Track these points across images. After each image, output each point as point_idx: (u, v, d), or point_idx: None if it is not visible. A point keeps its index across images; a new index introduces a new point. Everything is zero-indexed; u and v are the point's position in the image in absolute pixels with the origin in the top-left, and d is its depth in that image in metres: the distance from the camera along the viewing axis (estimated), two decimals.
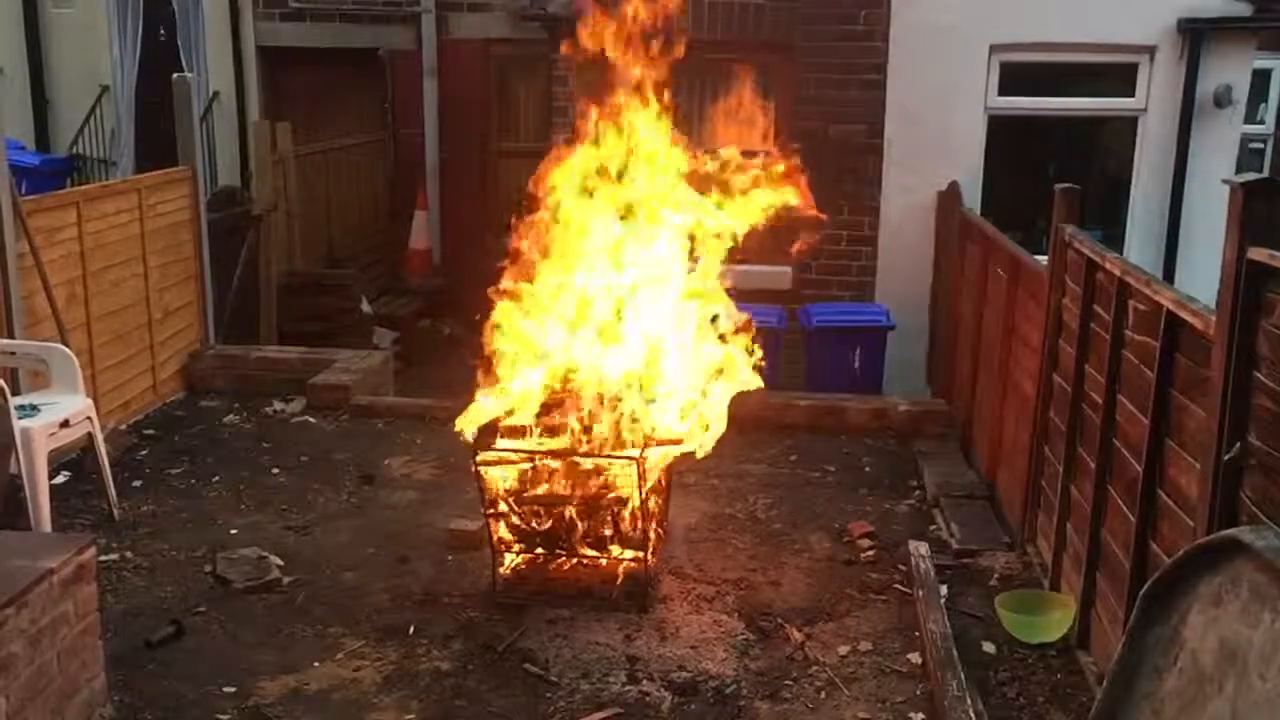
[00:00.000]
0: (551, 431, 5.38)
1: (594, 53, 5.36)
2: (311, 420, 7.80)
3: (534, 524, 5.29)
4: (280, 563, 5.54)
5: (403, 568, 5.63)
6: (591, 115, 5.47)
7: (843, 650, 4.91)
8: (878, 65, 9.10)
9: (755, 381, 5.48)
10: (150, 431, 7.50)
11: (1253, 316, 3.35)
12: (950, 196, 8.76)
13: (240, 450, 7.23)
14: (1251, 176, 3.51)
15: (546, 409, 5.40)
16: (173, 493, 6.53)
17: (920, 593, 5.21)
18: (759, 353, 5.52)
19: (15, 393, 5.96)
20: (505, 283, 5.48)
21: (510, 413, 5.34)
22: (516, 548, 5.35)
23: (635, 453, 5.14)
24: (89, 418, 6.02)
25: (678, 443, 5.40)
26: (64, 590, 4.00)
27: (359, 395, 8.01)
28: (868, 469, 7.13)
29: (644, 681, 4.63)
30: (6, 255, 6.28)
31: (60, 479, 6.46)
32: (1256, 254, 3.30)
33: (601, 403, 5.31)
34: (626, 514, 5.22)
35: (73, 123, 12.69)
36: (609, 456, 5.20)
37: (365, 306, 10.47)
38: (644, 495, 5.11)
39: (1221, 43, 9.05)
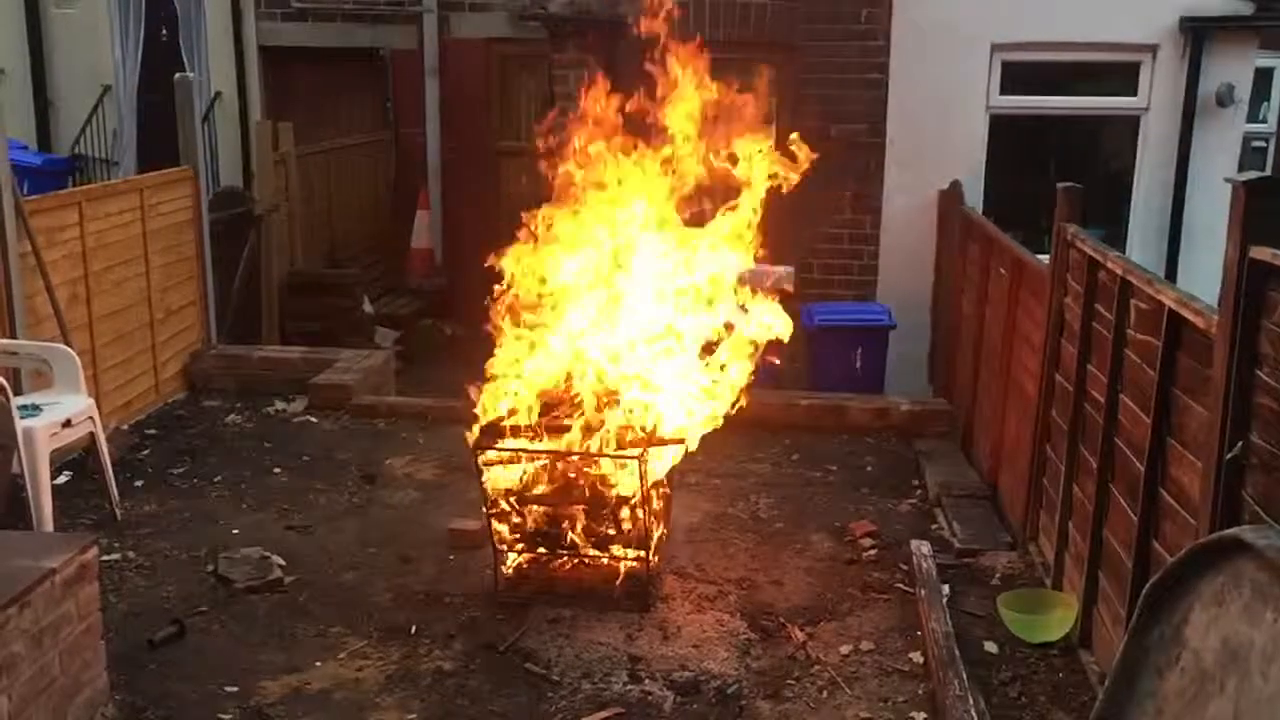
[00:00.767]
0: (554, 431, 5.37)
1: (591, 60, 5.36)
2: (313, 420, 7.81)
3: (535, 523, 5.29)
4: (282, 562, 5.54)
5: (404, 567, 5.63)
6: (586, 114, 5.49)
7: (844, 649, 4.91)
8: (879, 65, 9.09)
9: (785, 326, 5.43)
10: (152, 431, 7.51)
11: (1255, 315, 3.34)
12: (952, 196, 8.76)
13: (242, 450, 7.23)
14: (1254, 175, 3.51)
15: (549, 408, 5.40)
16: (174, 492, 6.53)
17: (922, 592, 5.21)
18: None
19: (17, 392, 5.96)
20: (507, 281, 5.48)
21: (513, 412, 5.34)
22: (518, 547, 5.36)
23: (637, 451, 5.13)
24: (91, 417, 6.02)
25: (680, 441, 5.40)
26: (66, 590, 4.01)
27: (361, 395, 8.01)
28: (869, 468, 7.13)
29: (646, 681, 4.63)
30: (9, 255, 6.29)
31: (62, 479, 6.46)
32: (1259, 253, 3.30)
33: (604, 401, 5.31)
34: (628, 513, 5.23)
35: (75, 123, 12.69)
36: (611, 455, 5.20)
37: (367, 306, 10.49)
38: (646, 494, 5.11)
39: (1223, 41, 9.05)
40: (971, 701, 4.26)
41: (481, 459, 5.17)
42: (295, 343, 9.28)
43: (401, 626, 5.04)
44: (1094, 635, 4.76)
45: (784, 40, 9.15)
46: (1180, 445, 3.97)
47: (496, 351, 5.43)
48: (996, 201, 8.96)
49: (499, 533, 5.31)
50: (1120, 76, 9.38)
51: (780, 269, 8.68)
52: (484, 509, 5.31)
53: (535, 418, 5.31)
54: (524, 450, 5.24)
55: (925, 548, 5.63)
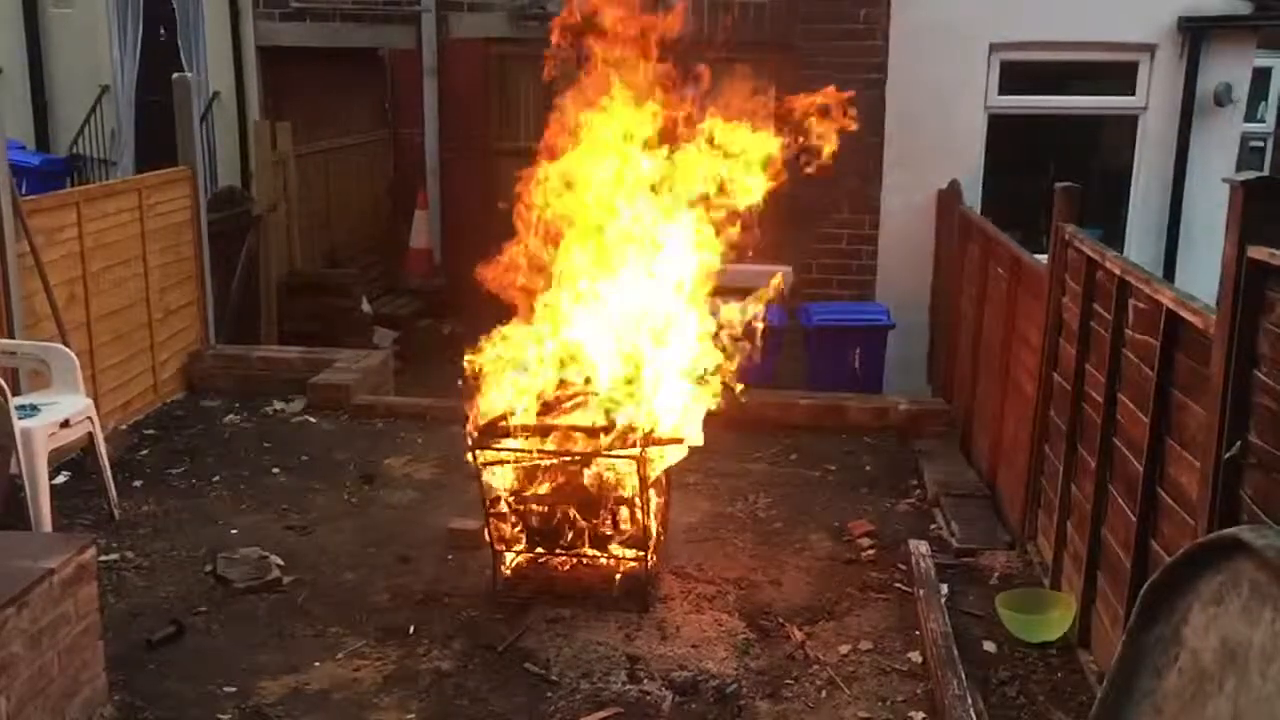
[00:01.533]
0: (552, 431, 5.37)
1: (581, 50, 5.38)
2: (312, 420, 7.80)
3: (535, 523, 5.29)
4: (281, 562, 5.54)
5: (403, 567, 5.63)
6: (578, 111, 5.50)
7: (843, 649, 4.91)
8: (878, 64, 9.10)
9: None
10: (151, 431, 7.51)
11: (1253, 315, 3.35)
12: (950, 195, 8.76)
13: (241, 450, 7.23)
14: (1252, 175, 3.51)
15: (548, 408, 5.39)
16: (173, 493, 6.53)
17: (921, 592, 5.21)
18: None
19: (16, 393, 5.96)
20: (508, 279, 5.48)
21: (512, 412, 5.34)
22: (517, 547, 5.35)
23: (635, 451, 5.13)
24: (89, 418, 6.02)
25: (678, 441, 5.39)
26: (64, 590, 4.01)
27: (359, 395, 8.01)
28: (868, 468, 7.13)
29: (645, 681, 4.63)
30: (7, 255, 6.28)
31: (61, 479, 6.46)
32: (1257, 252, 3.30)
33: (602, 400, 5.31)
34: (626, 513, 5.22)
35: (73, 123, 12.67)
36: (610, 455, 5.20)
37: (365, 306, 10.47)
38: (644, 494, 5.11)
39: (1222, 41, 9.06)
40: (970, 701, 4.26)
41: (480, 459, 5.17)
42: (294, 343, 9.26)
43: (400, 626, 5.04)
44: (1092, 635, 4.76)
45: (783, 40, 9.16)
46: (1179, 445, 3.97)
47: (489, 348, 5.43)
48: (995, 201, 8.98)
49: (498, 531, 5.31)
50: (1118, 76, 9.39)
51: (779, 269, 8.69)
52: (483, 509, 5.30)
53: (534, 418, 5.31)
54: (523, 450, 5.24)
55: (924, 547, 5.63)
